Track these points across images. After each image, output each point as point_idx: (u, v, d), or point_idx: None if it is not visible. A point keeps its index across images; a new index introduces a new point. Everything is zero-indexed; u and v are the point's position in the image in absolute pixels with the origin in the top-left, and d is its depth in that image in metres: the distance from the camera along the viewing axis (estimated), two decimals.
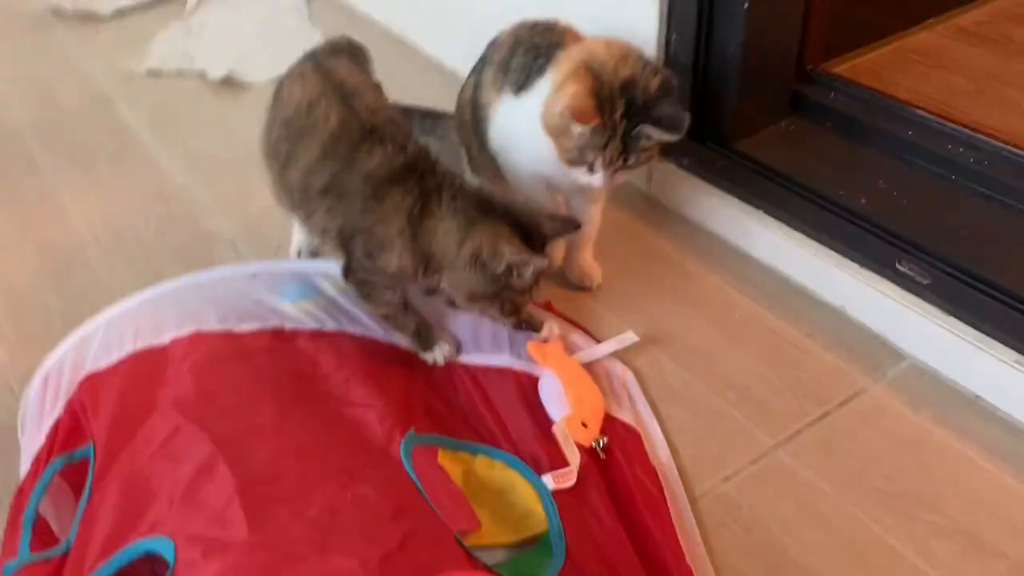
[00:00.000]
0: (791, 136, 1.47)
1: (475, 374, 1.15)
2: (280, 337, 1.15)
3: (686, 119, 1.13)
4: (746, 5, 1.31)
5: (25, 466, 1.03)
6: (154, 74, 2.00)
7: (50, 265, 1.44)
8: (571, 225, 1.14)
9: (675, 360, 1.22)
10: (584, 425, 1.06)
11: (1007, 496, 1.03)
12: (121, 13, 2.29)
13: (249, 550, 0.78)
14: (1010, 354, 1.10)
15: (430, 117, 1.60)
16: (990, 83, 1.67)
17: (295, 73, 1.20)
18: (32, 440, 1.05)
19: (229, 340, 1.13)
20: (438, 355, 1.17)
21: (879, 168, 1.36)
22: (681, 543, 0.95)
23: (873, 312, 1.24)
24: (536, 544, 0.94)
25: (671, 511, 0.99)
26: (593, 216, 1.30)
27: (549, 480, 0.98)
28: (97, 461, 0.97)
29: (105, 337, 1.13)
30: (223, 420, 0.96)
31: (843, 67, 1.68)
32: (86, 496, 0.95)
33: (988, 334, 1.12)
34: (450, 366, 1.17)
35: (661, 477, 1.03)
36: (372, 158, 1.08)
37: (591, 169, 1.15)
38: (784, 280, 1.34)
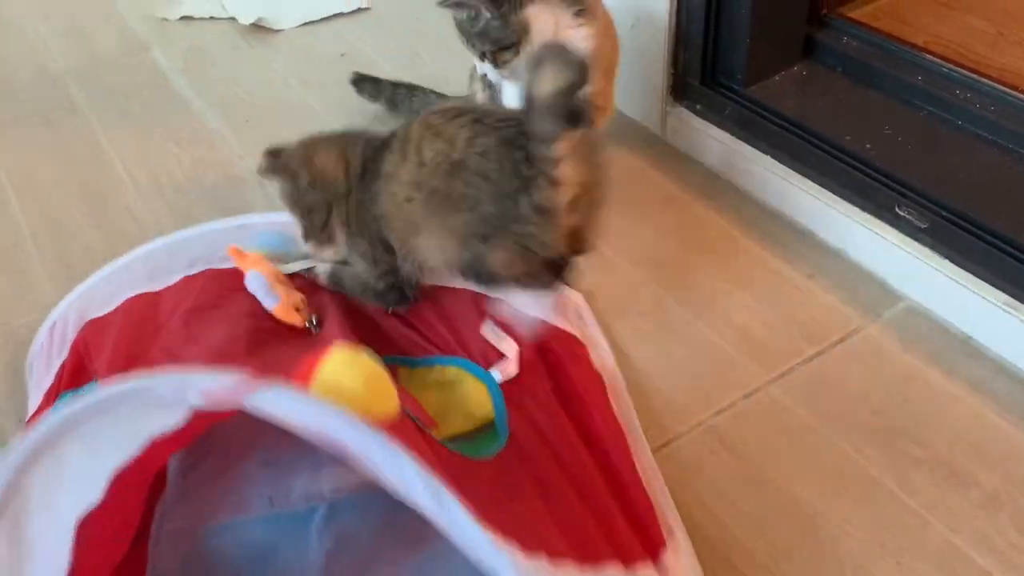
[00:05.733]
0: (803, 81, 1.49)
1: (432, 291, 1.19)
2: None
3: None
4: None
5: (35, 401, 1.11)
6: (187, 20, 2.06)
7: (91, 205, 1.53)
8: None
9: (678, 300, 1.28)
10: (297, 309, 1.14)
11: (988, 430, 1.08)
12: None
13: None
14: (1001, 296, 1.14)
15: (403, 88, 1.63)
16: (1011, 25, 1.66)
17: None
18: (40, 381, 1.13)
19: (214, 280, 1.19)
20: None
21: (887, 114, 1.38)
22: (626, 435, 1.05)
23: (873, 255, 1.28)
24: (487, 431, 1.03)
25: (615, 408, 1.08)
26: None
27: (496, 374, 1.06)
28: None
29: (105, 289, 1.20)
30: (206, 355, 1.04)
31: (864, 10, 1.68)
32: None
33: (980, 277, 1.16)
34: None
35: (606, 379, 1.12)
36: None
37: None
38: (789, 223, 1.38)
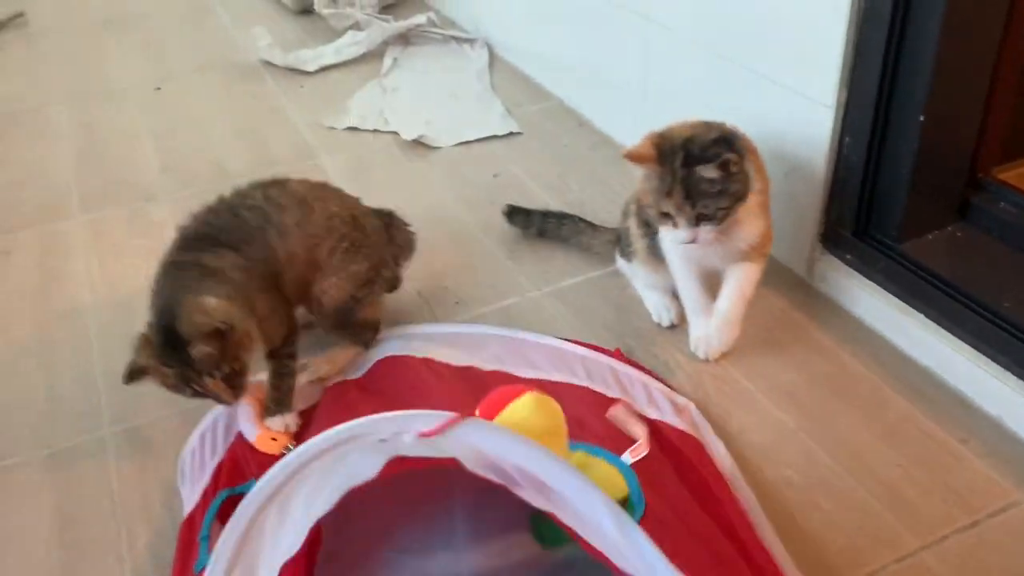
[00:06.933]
0: (957, 242, 1.50)
1: (554, 387, 1.29)
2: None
3: (727, 157, 1.23)
4: (922, 118, 1.37)
5: (192, 500, 1.18)
6: (353, 131, 2.21)
7: None
8: None
9: (826, 451, 1.28)
10: (273, 439, 1.23)
11: None
12: (324, 69, 2.54)
13: None
14: None
15: (553, 217, 1.72)
16: None
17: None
18: (195, 482, 1.21)
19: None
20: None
21: None
22: (754, 528, 1.10)
23: None
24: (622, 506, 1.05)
25: (742, 503, 1.13)
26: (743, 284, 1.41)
27: (627, 456, 1.11)
28: None
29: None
30: None
31: (1021, 171, 1.69)
32: None
33: None
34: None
35: (725, 475, 1.17)
36: None
37: (674, 224, 1.29)
38: (941, 384, 1.38)
